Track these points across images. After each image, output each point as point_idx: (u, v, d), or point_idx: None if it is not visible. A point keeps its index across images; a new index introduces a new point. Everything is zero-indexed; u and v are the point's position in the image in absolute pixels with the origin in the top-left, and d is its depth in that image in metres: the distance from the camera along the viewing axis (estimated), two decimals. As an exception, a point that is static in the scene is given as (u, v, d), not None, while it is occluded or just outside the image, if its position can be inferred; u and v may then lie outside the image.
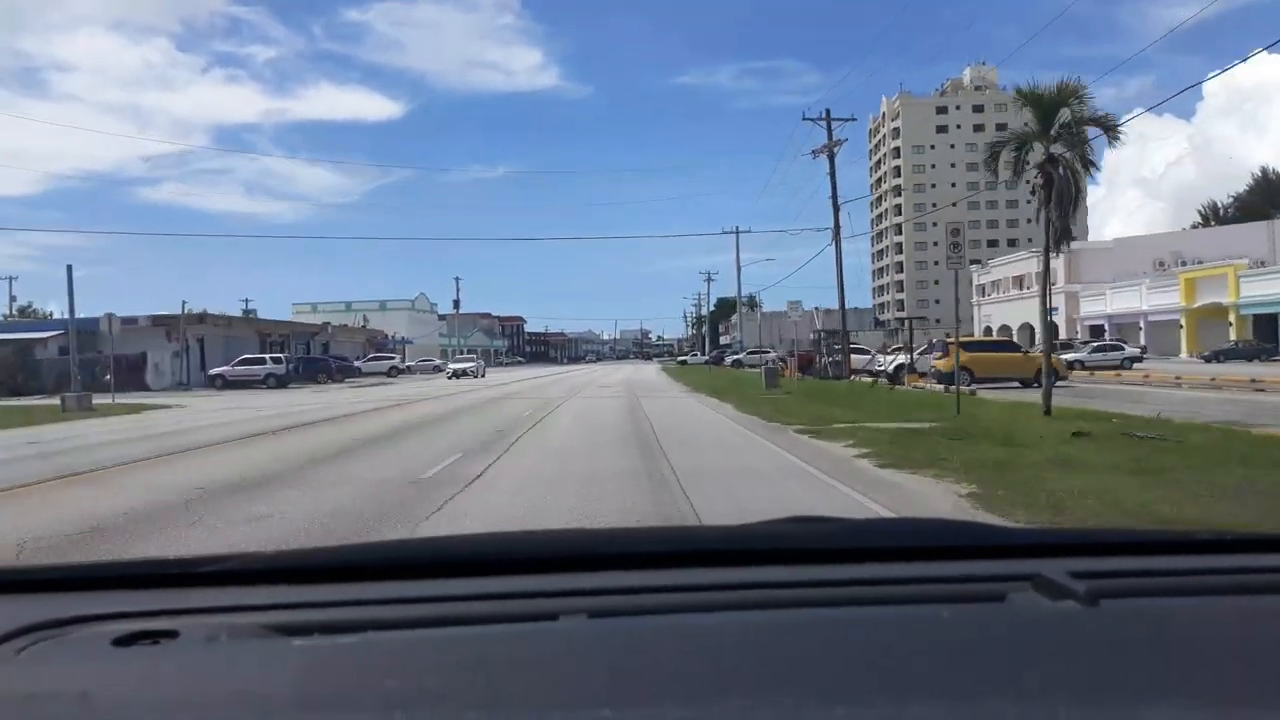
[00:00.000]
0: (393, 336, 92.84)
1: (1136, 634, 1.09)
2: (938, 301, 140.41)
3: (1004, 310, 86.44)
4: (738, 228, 73.19)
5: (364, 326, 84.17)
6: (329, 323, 71.90)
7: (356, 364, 64.92)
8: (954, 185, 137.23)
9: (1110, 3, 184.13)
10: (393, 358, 66.45)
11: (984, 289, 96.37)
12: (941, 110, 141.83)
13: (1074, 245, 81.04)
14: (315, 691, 0.92)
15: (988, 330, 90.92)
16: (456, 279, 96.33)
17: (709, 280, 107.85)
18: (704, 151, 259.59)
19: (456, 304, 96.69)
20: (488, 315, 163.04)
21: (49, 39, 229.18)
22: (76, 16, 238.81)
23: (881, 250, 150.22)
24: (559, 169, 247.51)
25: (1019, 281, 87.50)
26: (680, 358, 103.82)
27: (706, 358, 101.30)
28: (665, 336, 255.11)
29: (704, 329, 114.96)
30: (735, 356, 69.26)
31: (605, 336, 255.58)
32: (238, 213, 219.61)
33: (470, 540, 1.94)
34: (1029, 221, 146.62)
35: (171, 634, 1.08)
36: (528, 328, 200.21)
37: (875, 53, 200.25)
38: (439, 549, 1.61)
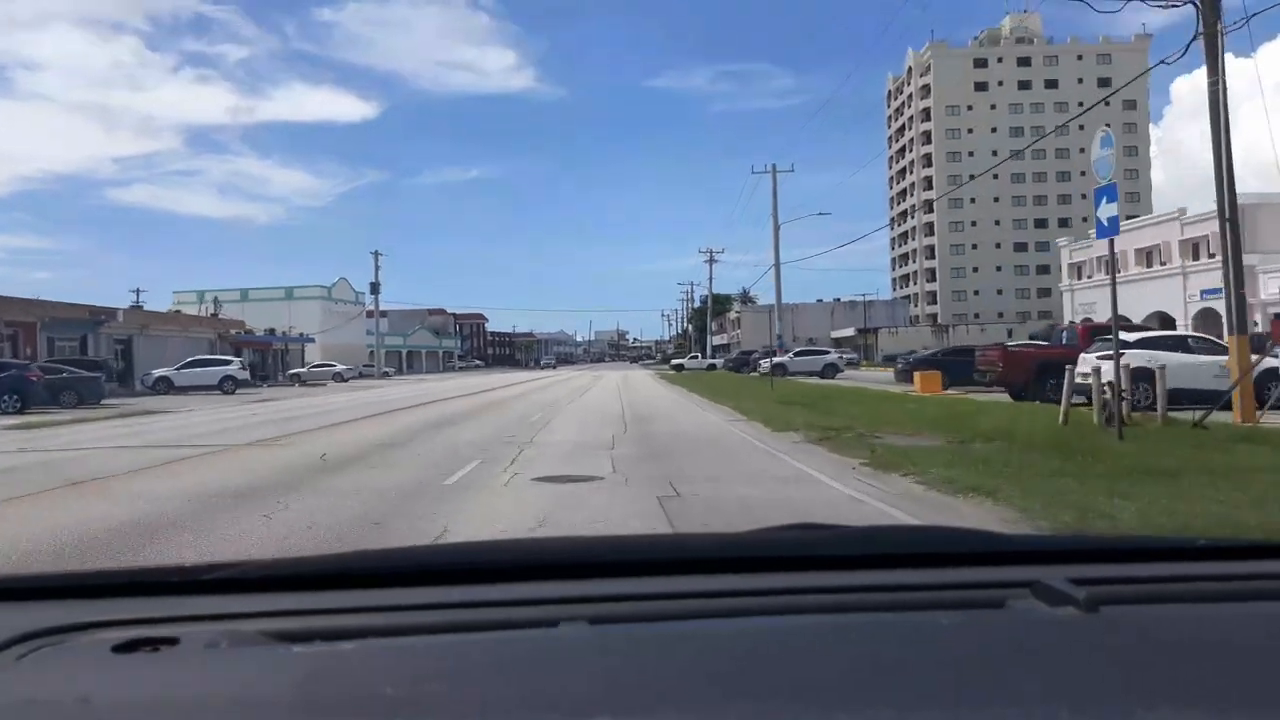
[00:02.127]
0: (285, 333, 67.73)
1: (1136, 640, 1.09)
2: (977, 293, 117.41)
3: (1119, 296, 62.17)
4: (774, 166, 48.41)
5: (213, 315, 58.76)
6: (139, 305, 46.51)
7: (162, 373, 40.01)
8: (995, 153, 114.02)
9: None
10: (230, 363, 41.52)
11: (1080, 269, 72.58)
12: (980, 64, 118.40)
13: (1247, 197, 58.22)
14: (315, 698, 0.92)
15: (1087, 323, 67.32)
16: (375, 254, 70.99)
17: (711, 260, 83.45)
18: (682, 153, 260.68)
19: (375, 288, 71.60)
20: (440, 311, 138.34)
21: (15, 36, 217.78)
22: (44, 13, 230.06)
23: (905, 234, 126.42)
24: (534, 169, 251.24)
25: (1145, 256, 63.90)
26: (674, 361, 79.44)
27: (712, 361, 76.89)
28: (641, 339, 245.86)
29: (707, 320, 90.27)
30: (777, 360, 44.54)
31: (579, 338, 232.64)
32: (208, 215, 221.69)
33: (471, 548, 1.94)
34: (1083, 197, 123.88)
35: (172, 641, 1.07)
36: (490, 327, 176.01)
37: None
38: (440, 556, 1.60)
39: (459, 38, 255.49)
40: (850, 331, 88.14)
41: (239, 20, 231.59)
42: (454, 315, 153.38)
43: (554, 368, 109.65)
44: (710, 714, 0.86)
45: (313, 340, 70.19)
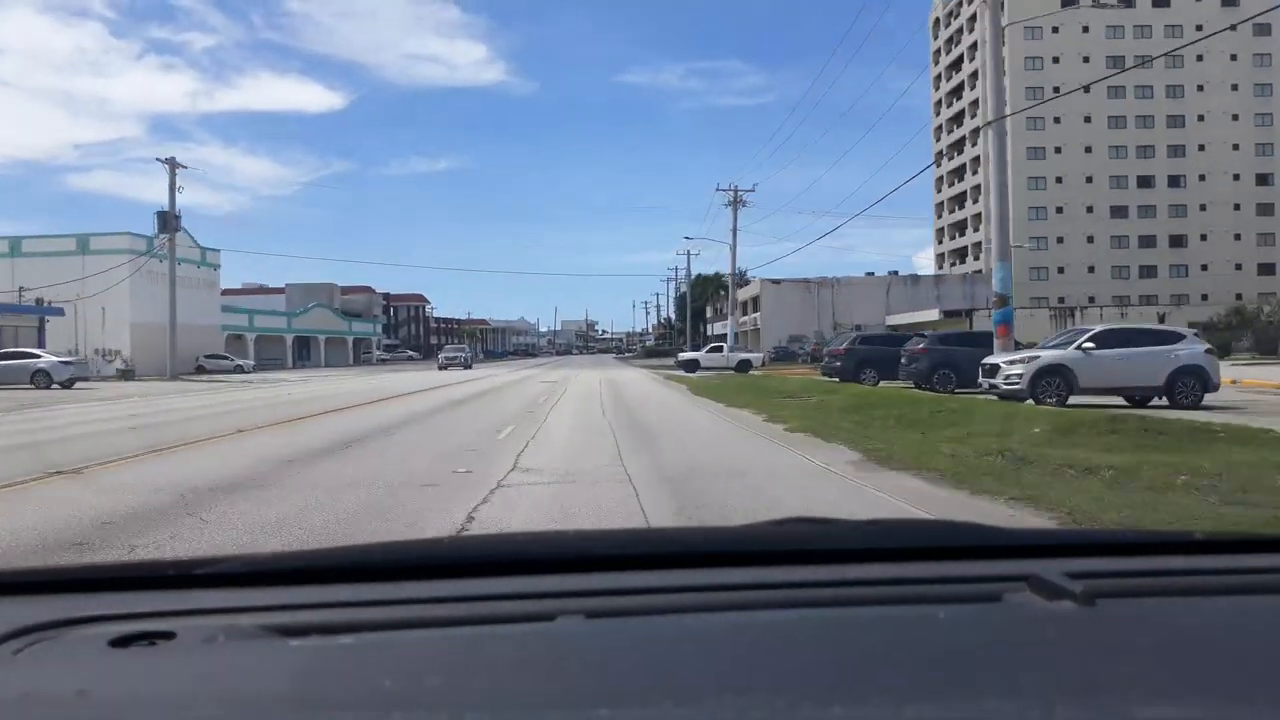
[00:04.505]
0: (15, 299, 38.02)
1: (1132, 634, 1.09)
2: (1062, 270, 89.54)
3: None
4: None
5: None
6: None
7: None
8: (1087, 90, 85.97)
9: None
10: None
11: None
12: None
13: None
14: (312, 692, 0.93)
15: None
16: (170, 163, 40.95)
17: (736, 201, 54.46)
18: (653, 147, 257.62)
19: (167, 222, 41.76)
20: (364, 289, 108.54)
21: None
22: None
23: (960, 196, 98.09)
24: (503, 162, 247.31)
25: None
26: (684, 356, 50.62)
27: (746, 356, 48.10)
28: (612, 330, 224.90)
29: (731, 294, 60.92)
30: (1048, 357, 14.86)
31: (543, 327, 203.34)
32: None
33: (467, 542, 1.83)
34: (1201, 150, 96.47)
35: (168, 635, 1.07)
36: (440, 313, 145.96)
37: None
38: (436, 551, 1.61)
39: (428, 30, 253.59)
40: (933, 314, 59.44)
41: (205, 8, 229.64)
42: (385, 295, 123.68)
43: (466, 366, 62.51)
44: (707, 707, 0.86)
45: (60, 311, 40.27)
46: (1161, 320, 62.17)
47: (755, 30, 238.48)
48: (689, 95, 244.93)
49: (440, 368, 59.87)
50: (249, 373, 57.26)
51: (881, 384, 25.84)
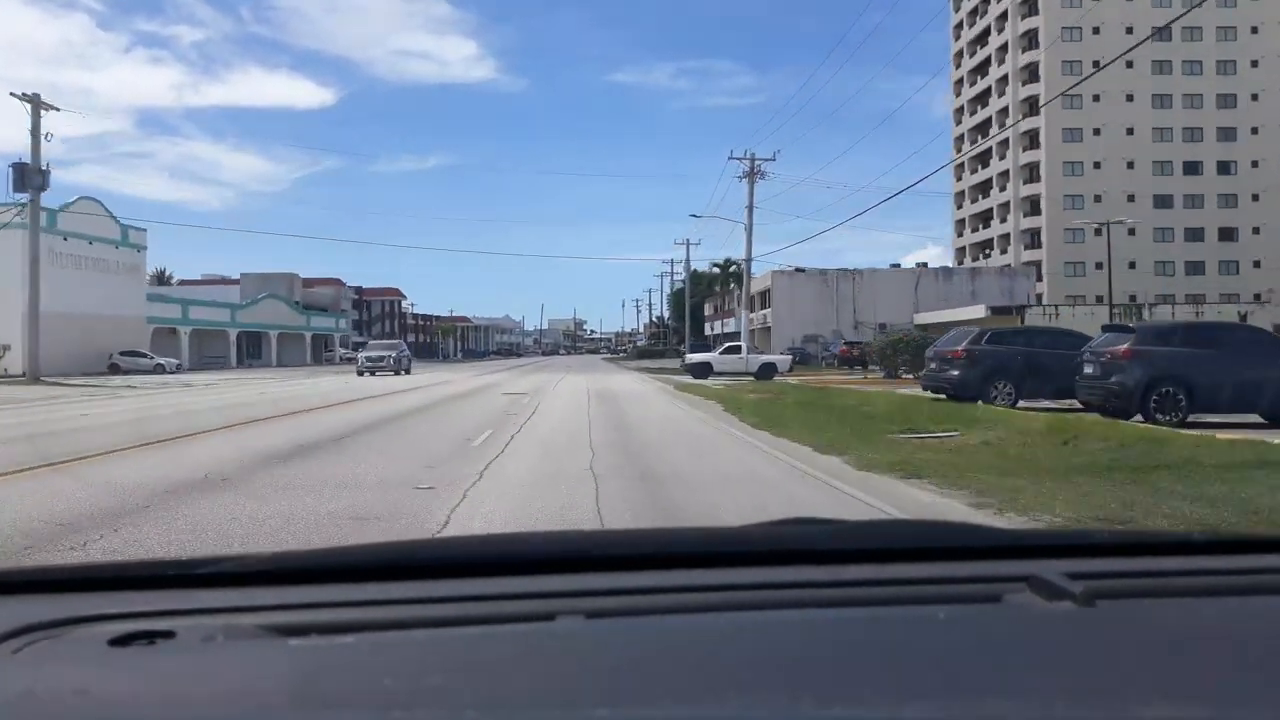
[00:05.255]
0: None
1: (1132, 635, 1.09)
2: (1099, 266, 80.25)
3: None
4: None
5: None
6: None
7: None
8: (1130, 65, 77.23)
9: None
10: None
11: None
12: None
13: None
14: (312, 692, 0.93)
15: None
16: (34, 101, 31.56)
17: (753, 172, 45.45)
18: (642, 149, 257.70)
19: (26, 173, 32.15)
20: (332, 281, 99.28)
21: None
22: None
23: (986, 183, 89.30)
24: (493, 159, 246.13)
25: None
26: (693, 358, 41.65)
27: (770, 359, 39.23)
28: (601, 330, 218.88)
29: (745, 285, 51.97)
30: None
31: (528, 325, 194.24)
32: (158, 198, 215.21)
33: (468, 541, 1.90)
34: (1254, 133, 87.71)
35: (168, 634, 1.07)
36: (417, 308, 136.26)
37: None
38: (437, 550, 1.61)
39: (418, 26, 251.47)
40: (978, 310, 50.43)
41: (193, 1, 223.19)
42: (357, 289, 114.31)
43: (399, 369, 43.26)
44: (708, 706, 0.86)
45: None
46: (1243, 319, 53.58)
47: (747, 29, 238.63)
48: (679, 95, 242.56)
49: (360, 373, 41.69)
50: (171, 372, 48.15)
51: (1020, 404, 16.88)
